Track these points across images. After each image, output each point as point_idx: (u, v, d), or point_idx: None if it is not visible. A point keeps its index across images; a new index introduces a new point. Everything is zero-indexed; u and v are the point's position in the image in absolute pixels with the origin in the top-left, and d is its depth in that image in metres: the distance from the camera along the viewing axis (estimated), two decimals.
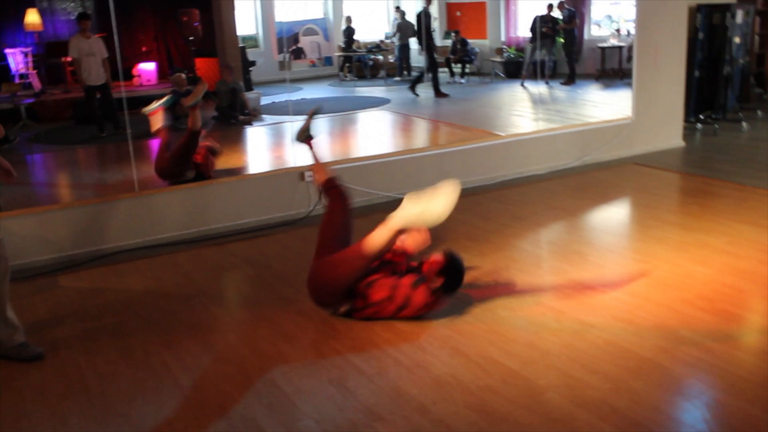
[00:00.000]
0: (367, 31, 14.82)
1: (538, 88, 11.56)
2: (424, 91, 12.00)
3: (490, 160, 7.18)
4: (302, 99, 11.81)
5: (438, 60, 12.26)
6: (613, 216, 6.23)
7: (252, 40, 13.66)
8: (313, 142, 4.98)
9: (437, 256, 4.18)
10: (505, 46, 13.77)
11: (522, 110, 10.67)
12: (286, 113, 9.43)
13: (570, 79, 11.99)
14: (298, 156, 6.84)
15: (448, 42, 13.81)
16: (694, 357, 3.53)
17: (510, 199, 6.54)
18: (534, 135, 7.62)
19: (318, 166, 4.85)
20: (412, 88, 11.97)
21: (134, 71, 11.63)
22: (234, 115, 9.91)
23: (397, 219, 3.86)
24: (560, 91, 11.56)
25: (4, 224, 3.88)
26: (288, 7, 14.21)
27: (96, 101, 9.16)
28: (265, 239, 5.80)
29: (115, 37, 6.36)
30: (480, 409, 3.16)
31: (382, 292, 4.01)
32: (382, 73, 14.24)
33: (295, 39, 14.09)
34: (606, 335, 3.78)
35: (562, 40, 12.41)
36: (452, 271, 4.11)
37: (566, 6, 12.39)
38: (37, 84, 10.89)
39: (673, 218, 5.80)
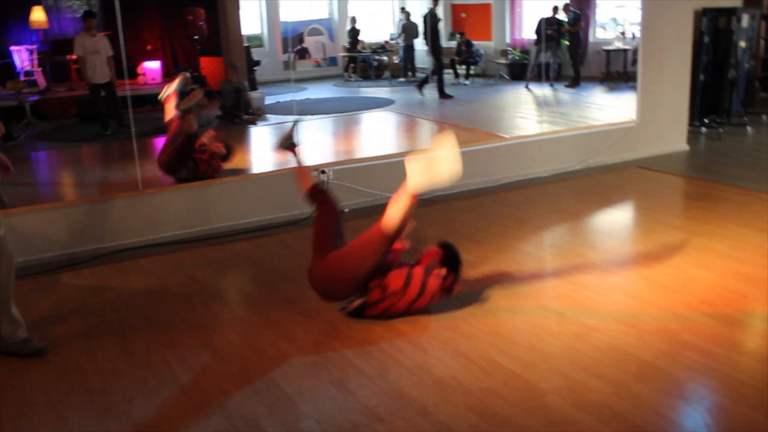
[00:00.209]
0: (372, 31, 14.83)
1: (543, 90, 11.55)
2: (429, 92, 12.01)
3: (494, 162, 7.17)
4: (306, 99, 11.82)
5: (443, 61, 12.27)
6: (616, 219, 6.23)
7: (257, 40, 13.68)
8: (297, 149, 4.82)
9: (434, 249, 4.25)
10: (509, 48, 13.78)
11: (526, 112, 10.66)
12: (290, 113, 9.44)
13: (574, 82, 11.99)
14: (302, 156, 6.85)
15: (453, 43, 13.82)
16: (696, 361, 3.52)
17: (513, 201, 6.54)
18: (538, 137, 7.62)
19: (301, 173, 4.67)
20: (420, 87, 11.99)
21: (139, 69, 11.65)
22: (238, 114, 9.92)
23: (410, 186, 3.83)
24: (565, 93, 11.56)
25: (7, 221, 3.89)
26: (293, 7, 14.22)
27: (100, 99, 9.18)
28: (267, 239, 5.80)
29: (120, 36, 6.37)
30: (481, 412, 3.15)
31: (399, 281, 4.03)
32: (387, 73, 14.25)
33: (299, 39, 14.11)
34: (608, 338, 3.78)
35: (567, 43, 12.42)
36: (451, 260, 4.21)
37: (571, 9, 12.40)
38: (42, 81, 10.92)
39: (676, 222, 5.79)
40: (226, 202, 6.07)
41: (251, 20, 13.66)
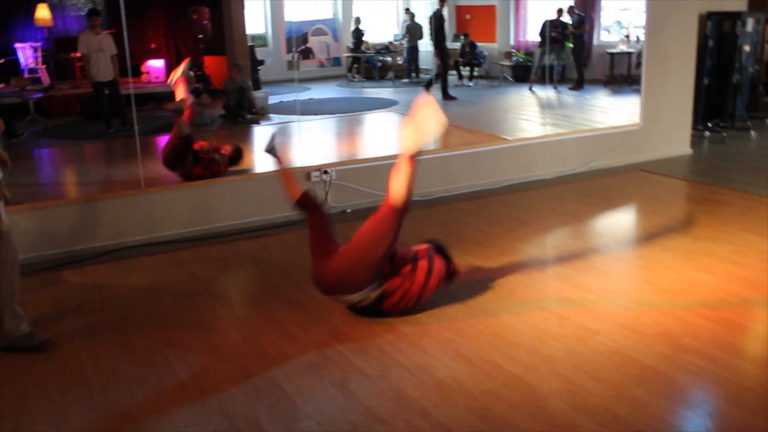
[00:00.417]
0: (377, 32, 14.82)
1: (546, 92, 11.53)
2: (434, 93, 12.00)
3: (497, 164, 7.17)
4: (310, 99, 11.81)
5: (448, 63, 12.26)
6: (618, 222, 6.22)
7: (261, 39, 13.67)
8: (281, 158, 4.63)
9: (422, 245, 4.32)
10: (514, 50, 13.76)
11: (530, 114, 10.65)
12: (294, 113, 9.44)
13: (578, 85, 11.97)
14: (305, 156, 6.85)
15: (457, 45, 13.81)
16: (697, 366, 3.51)
17: (516, 203, 6.53)
18: (541, 140, 7.61)
19: (288, 181, 4.49)
20: (427, 88, 11.96)
21: (143, 68, 11.64)
22: (241, 113, 9.91)
23: (405, 151, 3.90)
24: (568, 96, 11.54)
25: (10, 218, 3.91)
26: (297, 7, 14.22)
27: (104, 97, 9.17)
28: (269, 238, 5.80)
29: (125, 34, 6.37)
30: (481, 414, 3.15)
31: (406, 262, 4.11)
32: (391, 74, 14.24)
33: (304, 39, 14.09)
34: (609, 342, 3.77)
35: (571, 45, 12.39)
36: (441, 252, 4.34)
37: (576, 11, 12.38)
38: (46, 79, 10.90)
39: (678, 226, 5.78)
40: (228, 202, 6.07)
41: (256, 20, 13.64)
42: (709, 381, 3.40)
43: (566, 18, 12.36)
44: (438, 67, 11.94)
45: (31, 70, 10.91)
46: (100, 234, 5.61)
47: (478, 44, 13.63)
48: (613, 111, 10.64)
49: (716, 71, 9.35)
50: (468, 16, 14.53)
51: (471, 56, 13.52)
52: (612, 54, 12.47)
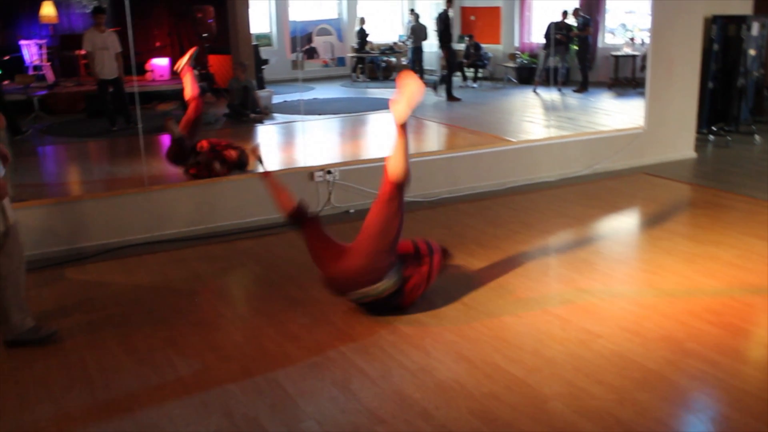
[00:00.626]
0: (381, 32, 14.82)
1: (551, 94, 11.53)
2: (436, 94, 11.99)
3: (501, 166, 7.16)
4: (314, 99, 11.82)
5: (454, 63, 12.25)
6: (622, 225, 6.21)
7: (265, 39, 13.67)
8: (269, 172, 4.62)
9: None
10: (518, 52, 13.75)
11: (533, 116, 10.65)
12: (298, 112, 9.44)
13: (582, 87, 11.96)
14: (308, 156, 6.85)
15: (462, 46, 13.80)
16: (700, 370, 3.50)
17: (519, 205, 6.52)
18: (545, 142, 7.60)
19: (279, 193, 4.44)
20: (435, 89, 11.95)
21: (147, 66, 11.65)
22: (245, 112, 9.92)
23: (397, 123, 4.06)
24: (572, 98, 11.53)
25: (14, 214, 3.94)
26: (302, 7, 14.22)
27: (108, 95, 9.19)
28: (272, 238, 5.79)
29: (129, 32, 6.37)
30: (483, 416, 3.15)
31: (408, 245, 4.25)
32: (395, 75, 14.23)
33: (308, 38, 14.09)
34: (612, 345, 3.76)
35: (575, 48, 12.39)
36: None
37: (581, 13, 12.37)
38: (50, 76, 10.92)
39: (682, 230, 5.77)
40: (232, 201, 6.06)
41: (260, 19, 13.65)
42: (712, 385, 3.39)
43: (571, 20, 12.35)
44: (443, 68, 11.92)
45: (35, 67, 10.92)
46: (103, 231, 5.61)
47: (483, 46, 13.62)
48: (617, 114, 10.64)
49: (721, 75, 9.34)
50: (473, 18, 14.53)
51: (475, 57, 13.52)
52: (617, 57, 12.47)
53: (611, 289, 4.57)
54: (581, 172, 7.52)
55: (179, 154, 6.61)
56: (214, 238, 5.80)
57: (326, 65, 14.45)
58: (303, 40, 13.78)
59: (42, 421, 3.22)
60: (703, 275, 4.73)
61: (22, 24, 11.30)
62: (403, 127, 4.04)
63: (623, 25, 13.26)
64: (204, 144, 6.61)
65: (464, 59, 13.55)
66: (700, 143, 8.76)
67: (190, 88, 6.90)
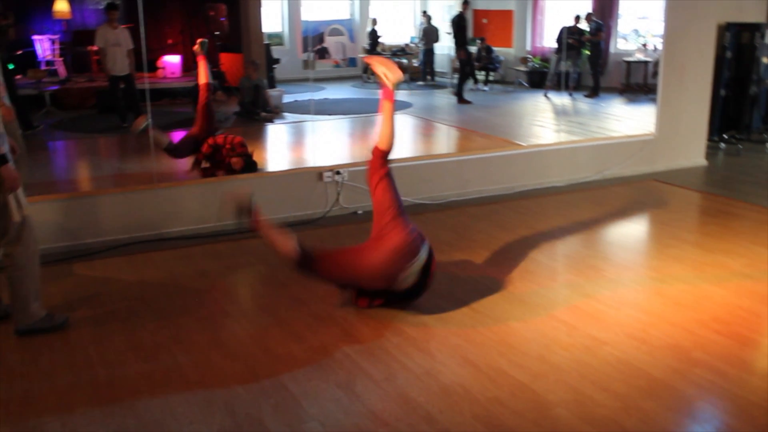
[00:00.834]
0: (393, 34, 14.82)
1: (562, 99, 11.50)
2: (447, 97, 11.98)
3: (510, 170, 7.14)
4: (325, 99, 11.82)
5: (469, 65, 12.23)
6: (630, 232, 6.18)
7: (277, 38, 13.69)
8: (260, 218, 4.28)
9: None
10: (530, 56, 13.73)
11: (544, 121, 10.62)
12: (308, 112, 9.45)
13: (594, 92, 11.93)
14: (317, 156, 6.85)
15: (473, 49, 13.79)
16: (706, 380, 3.48)
17: (528, 209, 6.50)
18: (555, 146, 7.58)
19: (274, 240, 4.19)
20: (458, 95, 11.89)
21: (159, 63, 11.68)
22: (256, 111, 9.93)
23: (391, 88, 4.25)
24: (583, 103, 11.51)
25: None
26: (314, 7, 14.24)
27: (119, 91, 9.22)
28: None
29: (142, 29, 6.39)
30: (487, 421, 3.13)
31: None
32: (406, 76, 14.23)
33: (320, 38, 14.11)
34: (618, 353, 3.75)
35: (587, 52, 12.36)
36: None
37: (594, 18, 12.35)
38: (62, 71, 10.97)
39: (691, 238, 5.75)
40: None
41: (272, 18, 13.68)
42: (718, 396, 3.37)
43: (584, 25, 12.33)
44: (454, 70, 11.91)
45: (48, 63, 10.97)
46: (111, 228, 5.62)
47: (494, 49, 13.61)
48: (628, 120, 10.61)
49: (733, 83, 9.29)
50: (485, 21, 14.51)
51: (487, 61, 13.50)
52: (628, 62, 12.44)
53: (618, 296, 4.54)
54: (591, 178, 7.50)
55: (181, 155, 6.75)
56: (222, 237, 5.80)
57: (337, 65, 14.46)
58: (315, 40, 13.80)
59: (46, 415, 3.22)
60: (711, 284, 4.70)
61: (35, 19, 11.34)
62: (391, 96, 4.23)
63: (636, 31, 13.23)
64: (207, 148, 6.66)
65: (476, 62, 13.53)
66: (711, 151, 8.72)
67: (203, 74, 7.05)
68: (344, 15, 14.76)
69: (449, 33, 12.08)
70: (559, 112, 10.99)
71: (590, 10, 12.49)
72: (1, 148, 3.76)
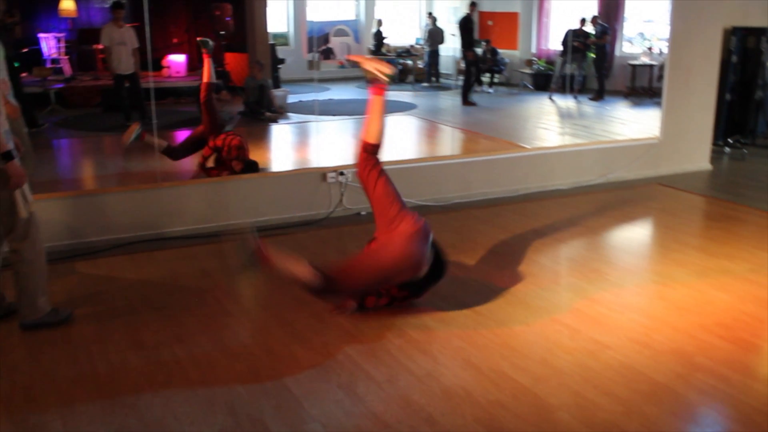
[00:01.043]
0: (398, 35, 14.82)
1: (566, 102, 11.48)
2: (452, 98, 11.97)
3: (514, 172, 7.13)
4: (329, 99, 11.82)
5: (476, 67, 12.22)
6: (634, 236, 6.17)
7: (282, 38, 13.69)
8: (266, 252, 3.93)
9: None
10: (535, 58, 13.71)
11: (548, 123, 10.61)
12: (313, 113, 9.44)
13: (599, 95, 11.91)
14: (321, 156, 6.85)
15: (479, 51, 13.78)
16: (709, 385, 3.47)
17: (532, 212, 6.49)
18: (559, 149, 7.57)
19: (289, 272, 3.96)
20: (466, 99, 11.88)
21: (164, 62, 11.69)
22: (261, 111, 9.94)
23: (383, 85, 4.35)
24: (588, 106, 11.48)
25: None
26: (320, 7, 14.24)
27: (124, 90, 9.22)
28: (283, 238, 5.79)
29: (147, 28, 6.40)
30: (488, 424, 3.12)
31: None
32: (411, 78, 14.23)
33: (325, 39, 14.10)
34: (621, 357, 3.73)
35: (593, 55, 12.34)
36: None
37: (599, 21, 12.32)
38: (67, 69, 10.97)
39: (695, 242, 5.73)
40: (244, 199, 6.07)
41: (278, 18, 13.68)
42: (721, 401, 3.36)
43: (589, 28, 12.31)
44: (459, 72, 11.89)
45: (53, 60, 10.98)
46: (114, 226, 5.62)
47: (499, 51, 13.59)
48: (632, 123, 10.59)
49: (739, 87, 9.28)
50: (490, 23, 14.49)
51: (492, 63, 13.48)
52: (634, 66, 12.41)
53: (621, 299, 4.53)
54: (595, 181, 7.49)
55: (178, 154, 6.79)
56: (225, 237, 5.79)
57: (342, 66, 14.45)
58: (320, 41, 13.80)
59: (47, 413, 3.22)
60: (715, 289, 4.69)
61: (41, 17, 11.36)
62: (384, 90, 4.32)
63: (641, 34, 13.20)
64: (207, 152, 6.71)
65: (480, 64, 13.52)
66: (716, 155, 8.70)
67: (205, 73, 7.07)
68: (350, 16, 14.76)
69: (454, 35, 12.07)
70: (564, 115, 10.97)
71: (596, 13, 12.46)
72: (7, 145, 3.78)
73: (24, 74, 9.82)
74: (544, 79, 13.13)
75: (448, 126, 10.05)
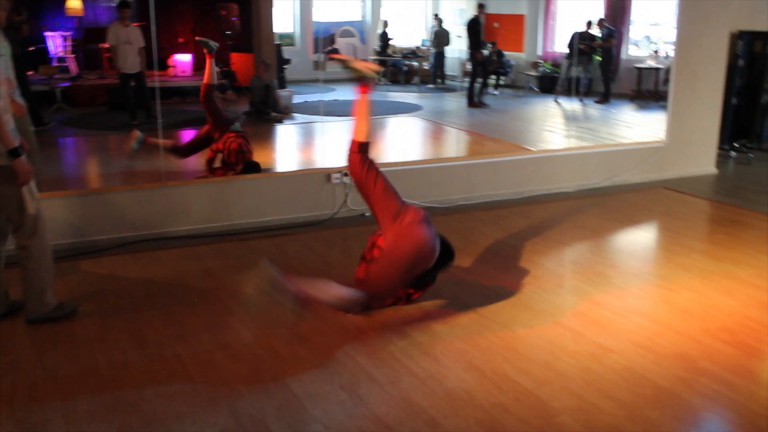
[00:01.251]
0: (404, 36, 14.82)
1: (572, 104, 11.46)
2: (457, 100, 11.96)
3: (519, 175, 7.12)
4: (335, 100, 11.82)
5: (484, 69, 12.20)
6: (639, 240, 6.15)
7: (288, 38, 13.70)
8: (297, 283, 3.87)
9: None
10: (540, 61, 13.70)
11: (554, 126, 10.60)
12: (318, 113, 9.44)
13: (604, 98, 11.88)
14: (326, 157, 6.84)
15: (485, 53, 13.77)
16: (712, 390, 3.46)
17: (536, 215, 6.48)
18: (564, 152, 7.56)
19: (323, 295, 3.92)
20: (476, 98, 11.86)
21: (169, 62, 11.70)
22: (266, 111, 9.94)
23: (370, 83, 4.42)
24: (594, 109, 11.46)
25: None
26: (326, 8, 14.25)
27: (130, 89, 9.24)
28: (287, 238, 5.79)
29: (153, 27, 6.40)
30: (490, 427, 3.12)
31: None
32: (416, 79, 14.22)
33: (331, 40, 14.11)
34: (624, 361, 3.72)
35: (599, 58, 12.32)
36: None
37: (605, 24, 12.30)
38: (74, 68, 10.99)
39: (700, 246, 5.71)
40: (248, 199, 6.07)
41: (284, 18, 13.69)
42: (724, 406, 3.35)
43: (595, 31, 12.29)
44: (465, 73, 11.87)
45: (59, 59, 10.99)
46: (118, 225, 5.63)
47: (505, 53, 13.58)
48: (638, 126, 10.56)
49: (745, 91, 9.25)
50: (496, 25, 14.47)
51: (497, 65, 13.47)
52: (640, 69, 12.38)
53: (625, 303, 4.52)
54: (600, 184, 7.47)
55: (183, 152, 6.79)
56: (229, 237, 5.80)
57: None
58: (326, 41, 13.80)
59: (50, 412, 3.22)
60: (719, 293, 4.67)
61: (48, 16, 11.38)
62: (369, 89, 4.39)
63: (648, 38, 13.17)
64: (211, 156, 6.70)
65: (487, 66, 13.51)
66: (722, 159, 8.68)
67: (206, 74, 7.04)
68: (356, 16, 14.76)
69: (460, 36, 12.06)
70: (569, 118, 10.95)
71: (602, 16, 12.44)
72: (14, 142, 3.80)
73: (30, 72, 9.84)
74: (550, 82, 13.10)
75: (453, 128, 10.04)
